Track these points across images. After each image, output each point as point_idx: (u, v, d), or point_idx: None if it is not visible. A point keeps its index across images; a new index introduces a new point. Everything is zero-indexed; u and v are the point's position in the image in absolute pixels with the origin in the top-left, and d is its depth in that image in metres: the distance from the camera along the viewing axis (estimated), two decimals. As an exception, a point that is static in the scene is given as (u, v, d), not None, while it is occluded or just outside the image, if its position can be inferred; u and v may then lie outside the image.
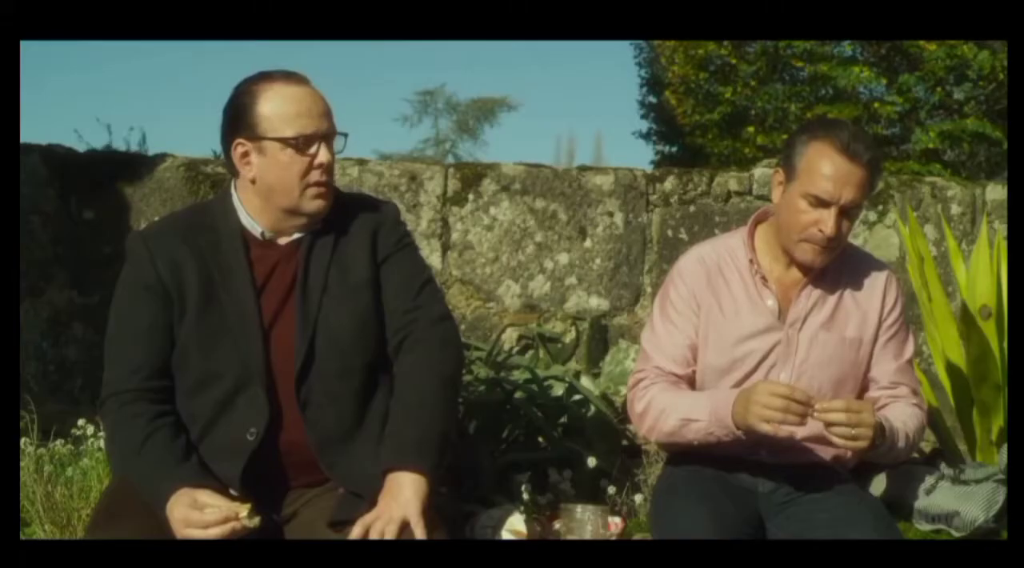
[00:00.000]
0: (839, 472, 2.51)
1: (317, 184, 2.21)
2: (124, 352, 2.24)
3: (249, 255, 2.25)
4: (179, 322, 2.22)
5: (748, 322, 2.47)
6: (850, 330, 2.48)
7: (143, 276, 2.24)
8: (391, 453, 2.14)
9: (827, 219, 2.35)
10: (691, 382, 2.51)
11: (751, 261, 2.50)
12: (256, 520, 2.03)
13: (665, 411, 2.43)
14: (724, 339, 2.47)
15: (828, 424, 2.25)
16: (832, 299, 2.49)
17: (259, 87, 2.21)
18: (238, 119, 2.21)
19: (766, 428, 2.23)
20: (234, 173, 2.28)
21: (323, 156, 2.20)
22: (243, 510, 2.02)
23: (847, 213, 2.37)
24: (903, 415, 2.44)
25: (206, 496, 2.05)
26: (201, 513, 2.02)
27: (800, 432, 2.45)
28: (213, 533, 2.01)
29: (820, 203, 2.36)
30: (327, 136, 2.22)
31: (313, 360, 2.22)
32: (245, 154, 2.22)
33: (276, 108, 2.19)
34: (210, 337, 2.21)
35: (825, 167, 2.35)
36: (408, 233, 2.39)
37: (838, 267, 2.50)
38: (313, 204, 2.23)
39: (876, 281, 2.52)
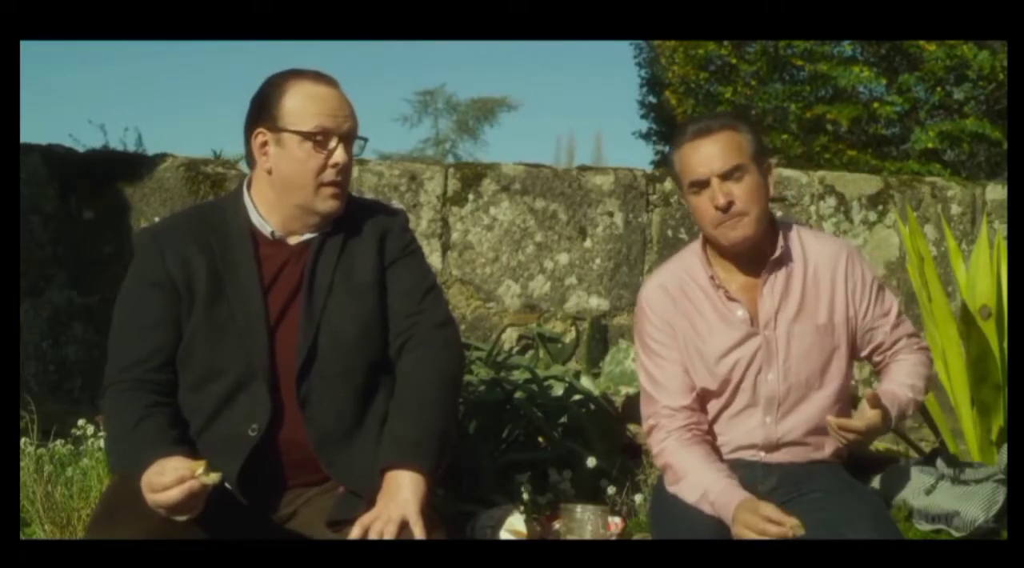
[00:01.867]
0: (839, 470, 2.51)
1: (332, 184, 2.23)
2: (128, 345, 2.24)
3: (258, 253, 2.27)
4: (186, 317, 2.23)
5: (725, 337, 2.48)
6: (821, 316, 2.49)
7: (151, 272, 2.25)
8: (389, 451, 2.14)
9: (713, 193, 2.42)
10: (701, 404, 2.51)
11: (711, 277, 2.50)
12: (214, 477, 1.99)
13: (684, 481, 2.41)
14: (707, 360, 2.48)
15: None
16: (796, 289, 2.49)
17: (287, 81, 2.25)
18: (262, 109, 2.24)
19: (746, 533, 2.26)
20: (252, 164, 2.30)
21: (339, 156, 2.22)
22: (198, 467, 1.99)
23: (731, 178, 2.41)
24: (905, 372, 2.53)
25: (174, 461, 2.01)
26: (160, 476, 1.99)
27: (798, 430, 2.48)
28: (172, 495, 1.97)
29: (699, 185, 2.44)
30: (346, 137, 2.24)
31: (315, 359, 2.22)
32: (264, 144, 2.25)
33: (299, 102, 2.22)
34: (216, 332, 2.22)
35: (689, 157, 2.45)
36: (415, 240, 2.41)
37: (792, 255, 2.50)
38: (326, 204, 2.24)
39: (835, 260, 2.52)
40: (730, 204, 2.40)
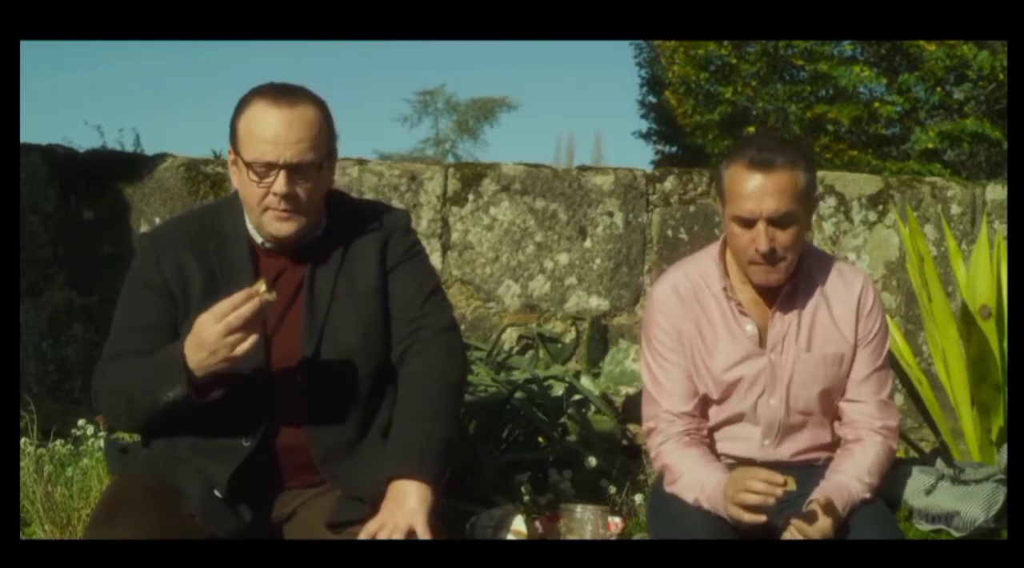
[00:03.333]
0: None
1: (276, 209, 2.18)
2: (124, 345, 2.24)
3: (255, 260, 2.26)
4: (183, 322, 2.22)
5: (730, 351, 2.46)
6: (830, 347, 2.46)
7: (148, 276, 2.25)
8: (396, 461, 2.13)
9: (758, 237, 2.34)
10: (703, 409, 2.49)
11: (725, 288, 2.47)
12: (273, 294, 2.06)
13: (680, 481, 2.40)
14: (711, 370, 2.46)
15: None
16: (808, 316, 2.46)
17: (247, 102, 2.20)
18: (231, 127, 2.22)
19: (739, 513, 2.23)
20: None
21: (278, 186, 2.14)
22: (260, 285, 2.05)
23: (779, 224, 2.33)
24: (864, 467, 2.40)
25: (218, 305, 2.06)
26: (224, 301, 2.04)
27: (796, 452, 2.48)
28: (244, 311, 2.02)
29: (746, 223, 2.35)
30: (291, 166, 2.15)
31: (318, 368, 2.21)
32: (233, 162, 2.23)
33: (247, 128, 2.17)
34: None
35: (741, 186, 2.34)
36: (418, 242, 2.38)
37: (810, 280, 2.48)
38: (273, 226, 2.20)
39: (851, 291, 2.48)
40: (772, 252, 2.34)
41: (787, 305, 2.46)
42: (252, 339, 2.04)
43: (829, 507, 2.28)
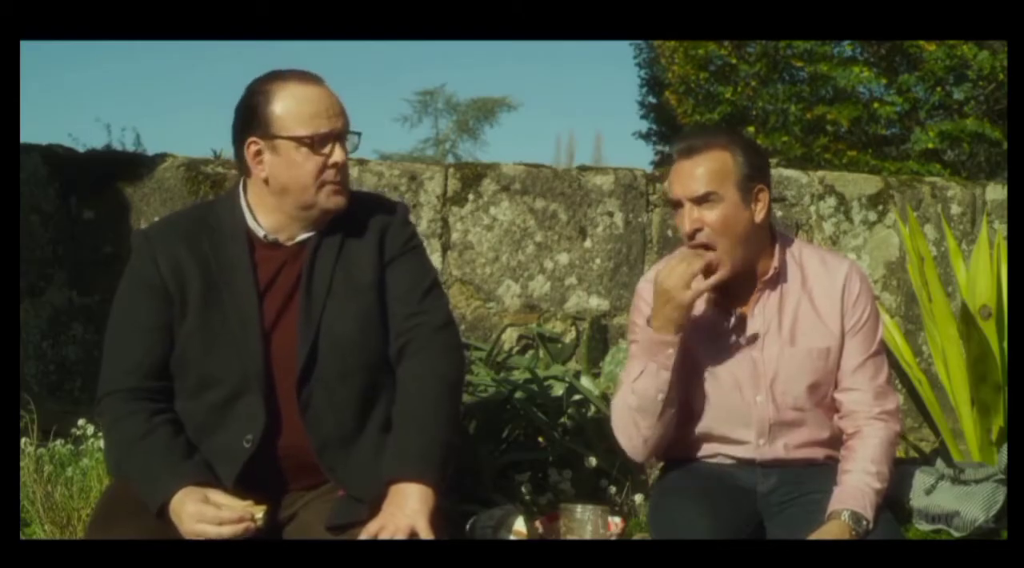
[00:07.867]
0: (836, 471, 2.51)
1: (333, 182, 2.22)
2: (123, 350, 2.24)
3: (253, 257, 2.25)
4: (179, 323, 2.22)
5: (714, 342, 2.45)
6: (816, 340, 2.44)
7: (144, 274, 2.24)
8: (395, 464, 2.13)
9: (682, 218, 2.40)
10: (696, 409, 2.48)
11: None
12: (265, 523, 2.06)
13: (617, 400, 2.42)
14: (697, 363, 2.45)
15: None
16: (789, 309, 2.45)
17: (273, 86, 2.22)
18: (251, 118, 2.22)
19: (683, 292, 2.30)
20: (246, 173, 2.27)
21: (337, 155, 2.21)
22: (259, 512, 2.05)
23: (702, 204, 2.37)
24: (870, 458, 2.39)
25: (218, 496, 2.06)
26: (217, 510, 2.03)
27: (792, 449, 2.46)
28: (225, 531, 2.02)
29: (675, 204, 2.43)
30: (341, 135, 2.22)
31: (315, 363, 2.21)
32: (258, 153, 2.22)
33: (290, 107, 2.19)
34: (210, 339, 2.20)
35: (671, 176, 2.44)
36: (416, 234, 2.39)
37: (787, 275, 2.46)
38: (331, 201, 2.23)
39: (834, 282, 2.46)
40: (696, 231, 2.37)
41: (764, 301, 2.45)
42: (198, 538, 2.04)
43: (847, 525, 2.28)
